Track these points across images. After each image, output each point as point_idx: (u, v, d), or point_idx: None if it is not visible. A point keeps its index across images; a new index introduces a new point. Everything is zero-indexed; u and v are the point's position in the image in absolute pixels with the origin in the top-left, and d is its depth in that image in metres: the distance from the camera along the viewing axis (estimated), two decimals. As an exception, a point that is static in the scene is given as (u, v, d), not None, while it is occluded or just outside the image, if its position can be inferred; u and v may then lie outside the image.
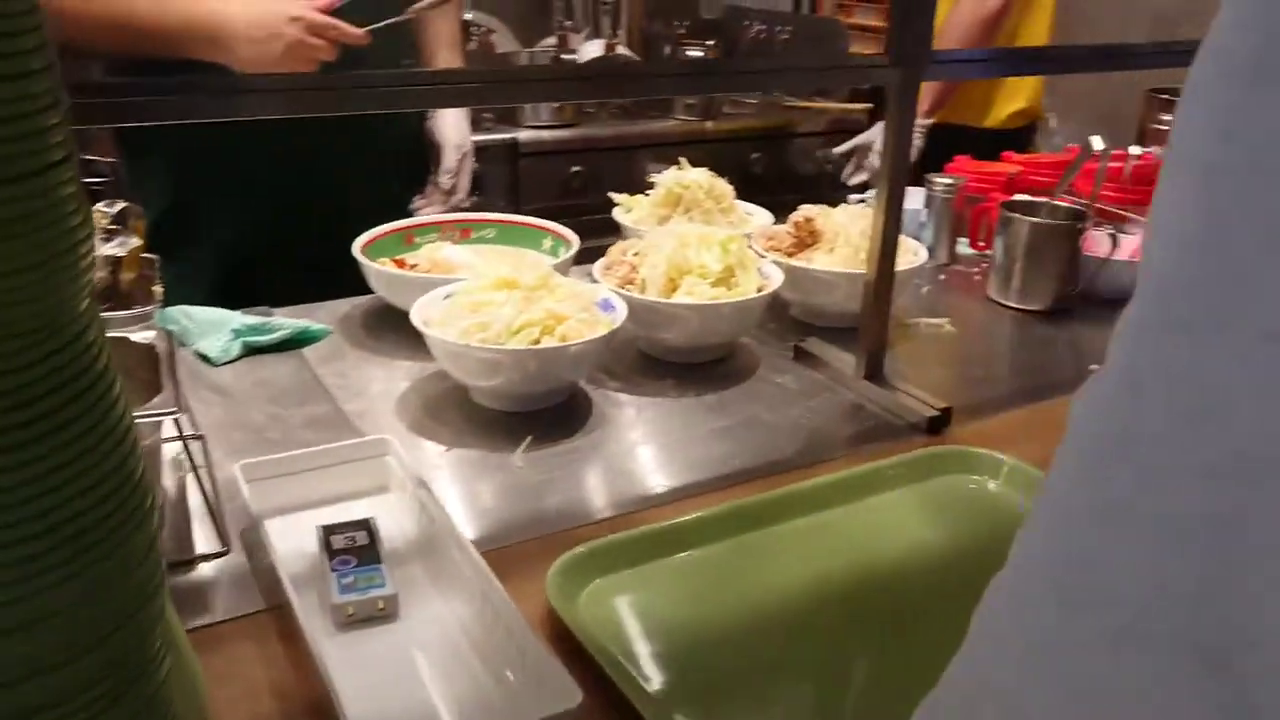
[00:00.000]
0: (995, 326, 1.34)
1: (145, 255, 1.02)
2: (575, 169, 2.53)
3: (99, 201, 1.00)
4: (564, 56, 2.67)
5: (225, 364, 1.10)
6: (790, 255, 1.26)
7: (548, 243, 1.34)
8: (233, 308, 1.19)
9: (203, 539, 0.80)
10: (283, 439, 0.95)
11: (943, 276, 1.50)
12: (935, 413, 1.01)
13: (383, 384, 1.08)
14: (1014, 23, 2.18)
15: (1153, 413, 0.26)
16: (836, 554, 0.81)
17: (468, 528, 0.82)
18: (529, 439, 0.97)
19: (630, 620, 0.73)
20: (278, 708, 0.64)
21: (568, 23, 2.92)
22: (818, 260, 1.25)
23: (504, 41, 2.87)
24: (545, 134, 2.51)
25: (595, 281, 1.14)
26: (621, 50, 2.73)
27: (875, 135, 2.36)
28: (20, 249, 0.31)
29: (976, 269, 1.52)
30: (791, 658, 0.71)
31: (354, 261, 1.20)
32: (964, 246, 1.56)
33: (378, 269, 1.18)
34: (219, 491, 0.83)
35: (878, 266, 1.04)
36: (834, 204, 1.34)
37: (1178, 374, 0.26)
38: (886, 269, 1.04)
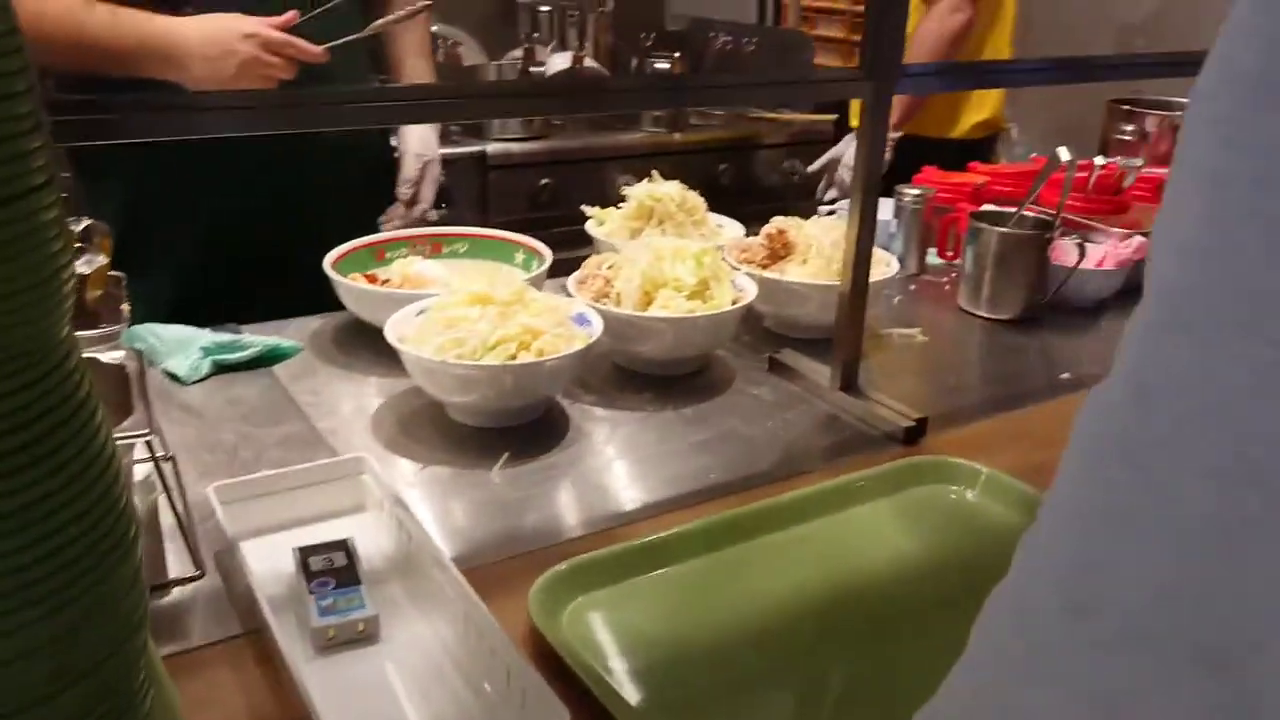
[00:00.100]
0: (966, 335, 1.35)
1: (112, 273, 1.00)
2: (544, 181, 2.52)
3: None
4: (532, 69, 2.66)
5: (195, 383, 1.08)
6: (764, 267, 1.26)
7: (520, 256, 1.33)
8: (200, 326, 1.17)
9: (175, 563, 0.78)
10: (255, 459, 0.94)
11: (913, 286, 1.51)
12: (911, 423, 1.02)
13: (356, 401, 1.07)
14: (979, 37, 2.22)
15: (1158, 416, 0.26)
16: (819, 566, 0.81)
17: (446, 546, 0.81)
18: (506, 455, 0.96)
19: (613, 637, 0.72)
20: (258, 734, 0.63)
21: (535, 35, 2.92)
22: (791, 272, 1.25)
23: (471, 54, 2.86)
24: (514, 146, 2.51)
25: (569, 295, 1.13)
26: (589, 62, 2.73)
27: (844, 149, 2.39)
28: (6, 274, 0.30)
29: (945, 278, 1.53)
30: (776, 671, 0.71)
31: (324, 277, 1.19)
32: (932, 256, 1.57)
33: (349, 285, 1.17)
34: (191, 514, 0.81)
35: (852, 278, 1.04)
36: (804, 215, 1.35)
37: (1183, 378, 0.26)
38: (861, 280, 1.05)
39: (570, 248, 1.42)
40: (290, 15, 1.31)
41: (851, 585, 0.80)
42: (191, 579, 0.76)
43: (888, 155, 2.12)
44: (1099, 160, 1.54)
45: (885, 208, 1.47)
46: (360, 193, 1.55)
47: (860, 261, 1.04)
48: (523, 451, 0.97)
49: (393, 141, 1.66)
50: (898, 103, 2.18)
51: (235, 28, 1.27)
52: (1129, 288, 1.43)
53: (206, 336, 1.14)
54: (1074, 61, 1.15)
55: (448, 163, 2.42)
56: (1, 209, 0.30)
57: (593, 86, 1.33)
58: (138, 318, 1.13)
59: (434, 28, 2.68)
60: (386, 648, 0.70)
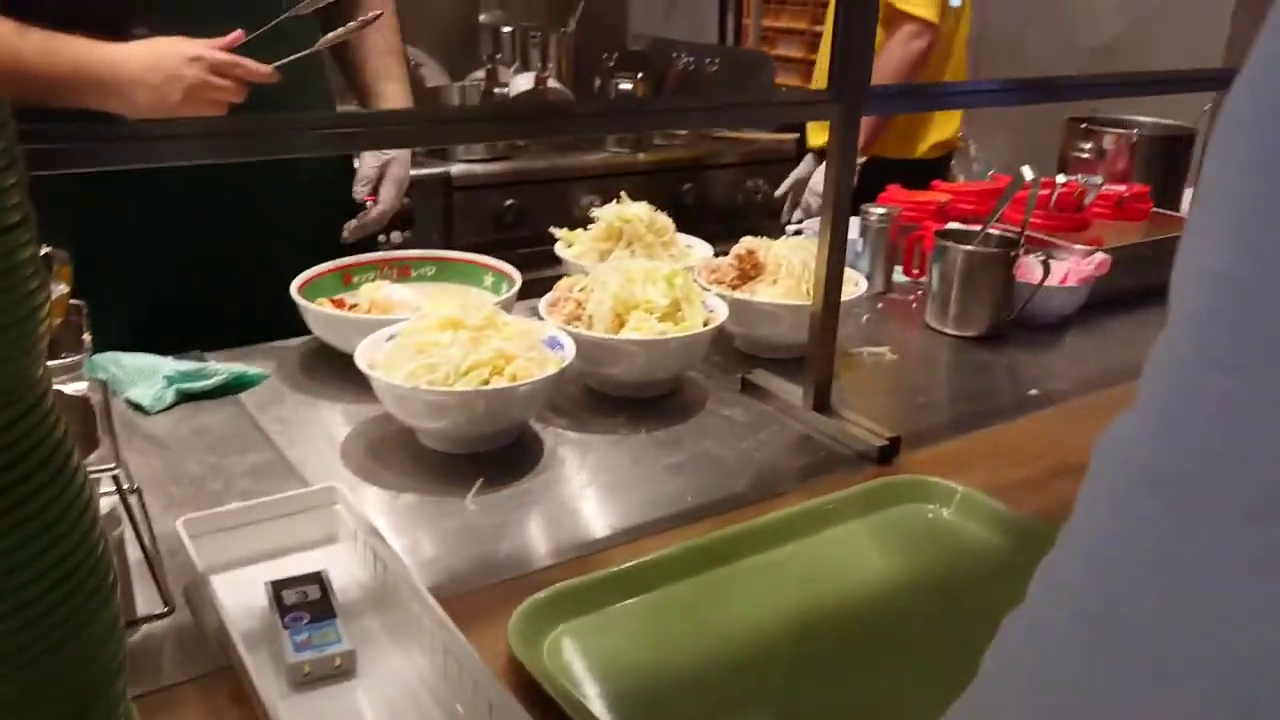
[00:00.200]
0: (934, 353, 1.36)
1: (73, 301, 0.98)
2: (509, 202, 2.52)
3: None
4: (495, 90, 2.66)
5: (159, 412, 1.06)
6: (734, 288, 1.26)
7: (489, 279, 1.33)
8: (164, 353, 1.15)
9: (143, 599, 0.76)
10: (224, 490, 0.92)
11: (880, 305, 1.52)
12: (884, 442, 1.02)
13: (325, 428, 1.05)
14: (936, 62, 2.29)
15: (1189, 452, 0.26)
16: (799, 589, 0.81)
17: (422, 576, 0.80)
18: (480, 481, 0.95)
19: (595, 665, 0.71)
20: (233, 776, 0.62)
21: (497, 56, 2.91)
22: (761, 292, 1.25)
23: (433, 75, 2.85)
24: (478, 167, 2.50)
25: (541, 318, 1.13)
26: (552, 83, 2.73)
27: (806, 170, 2.43)
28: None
29: (912, 296, 1.55)
30: (758, 696, 0.70)
31: (289, 302, 1.17)
32: (898, 274, 1.59)
33: (316, 310, 1.16)
34: (159, 548, 0.79)
35: (824, 298, 1.05)
36: (767, 233, 1.36)
37: (1216, 413, 0.26)
38: (833, 300, 1.05)
39: (536, 268, 1.42)
40: (236, 35, 1.25)
41: (832, 607, 0.79)
42: (160, 616, 0.74)
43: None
44: (1060, 178, 1.56)
45: (851, 226, 1.48)
46: (320, 212, 1.50)
47: (832, 281, 1.04)
48: (496, 478, 0.96)
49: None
50: (863, 126, 2.24)
51: (178, 51, 1.21)
52: (1092, 303, 1.45)
53: (170, 365, 1.12)
54: (1037, 82, 1.17)
55: (412, 184, 2.41)
56: (-21, 248, 0.29)
57: (566, 111, 1.33)
58: (99, 346, 1.10)
59: (396, 49, 2.66)
60: (364, 683, 0.68)
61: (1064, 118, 2.04)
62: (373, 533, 0.79)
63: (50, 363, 0.92)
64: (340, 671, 0.68)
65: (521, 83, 2.72)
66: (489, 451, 1.01)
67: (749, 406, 1.14)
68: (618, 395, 1.14)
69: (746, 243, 1.31)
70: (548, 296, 1.18)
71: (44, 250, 1.08)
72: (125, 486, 0.77)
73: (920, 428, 1.11)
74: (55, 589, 0.32)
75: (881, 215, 1.51)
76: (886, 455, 1.02)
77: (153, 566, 0.78)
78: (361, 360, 0.99)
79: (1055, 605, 0.30)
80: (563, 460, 1.01)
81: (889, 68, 2.18)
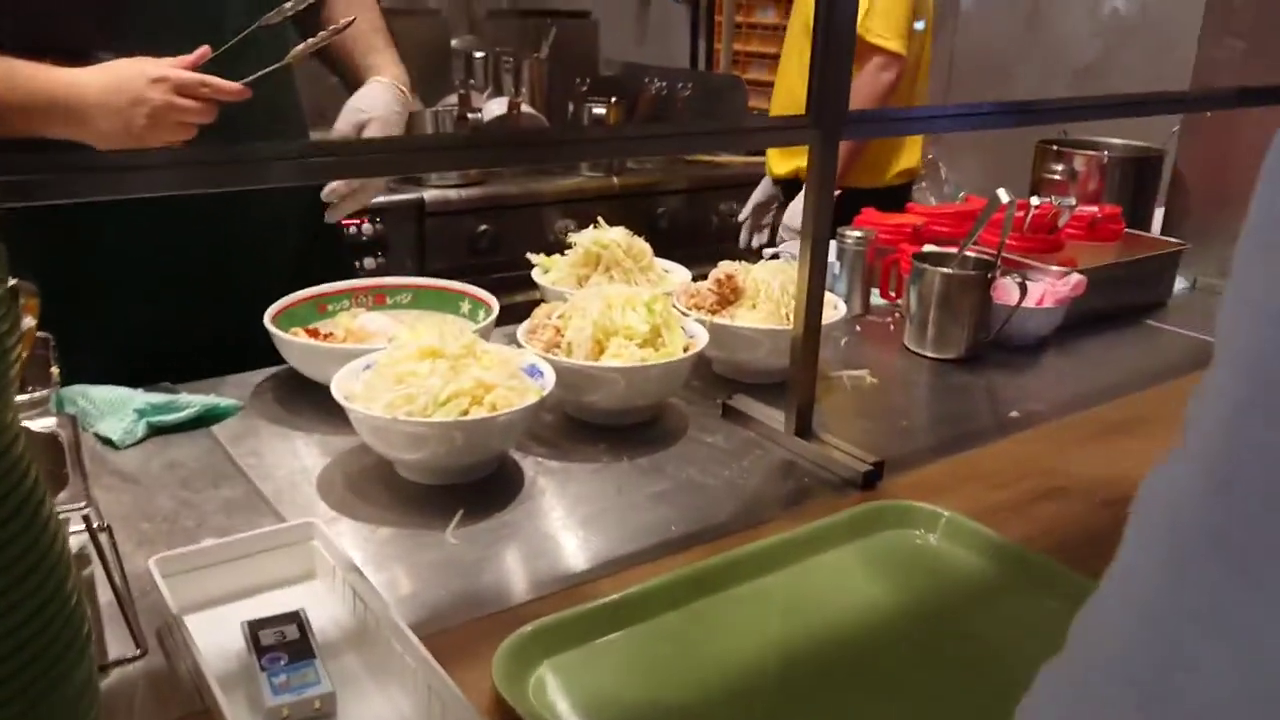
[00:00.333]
0: (913, 375, 1.36)
1: (40, 334, 0.96)
2: (482, 227, 2.51)
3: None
4: (469, 115, 2.65)
5: (129, 447, 1.03)
6: (713, 313, 1.26)
7: (466, 306, 1.31)
8: (134, 384, 1.12)
9: (114, 641, 0.74)
10: (197, 526, 0.90)
11: (858, 328, 1.52)
12: (869, 467, 1.01)
13: (301, 461, 1.03)
14: (904, 91, 2.35)
15: (1253, 512, 0.25)
16: (787, 618, 0.80)
17: (402, 613, 0.78)
18: (460, 513, 0.93)
19: (581, 702, 0.70)
20: (209, 827, 0.60)
21: (470, 81, 2.91)
22: (741, 317, 1.25)
23: (404, 101, 2.84)
24: (451, 193, 2.49)
25: (519, 345, 1.11)
26: (526, 108, 2.73)
27: (764, 194, 2.48)
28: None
29: (889, 318, 1.55)
30: (750, 732, 0.69)
31: (262, 331, 1.15)
32: (875, 297, 1.59)
33: (291, 340, 1.14)
34: (130, 588, 0.77)
35: (804, 322, 1.04)
36: (745, 258, 1.35)
37: (1276, 462, 0.24)
38: (814, 324, 1.05)
39: (510, 293, 1.40)
40: (202, 51, 1.17)
41: (820, 636, 0.78)
42: (132, 659, 0.72)
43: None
44: (1034, 200, 1.57)
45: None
46: (294, 235, 1.45)
47: (813, 306, 1.04)
48: (477, 509, 0.95)
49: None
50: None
51: (140, 72, 1.14)
52: (1068, 324, 1.45)
53: (140, 397, 1.09)
54: (1012, 106, 1.18)
55: (385, 210, 2.40)
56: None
57: (546, 139, 1.32)
58: (67, 378, 1.07)
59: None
60: (345, 725, 0.66)
61: (1035, 140, 2.06)
62: (351, 569, 0.77)
63: (17, 398, 0.90)
64: (320, 714, 0.66)
65: (495, 108, 2.71)
66: (469, 482, 0.99)
67: (730, 433, 1.14)
68: (598, 423, 1.13)
69: (725, 267, 1.31)
70: (526, 324, 1.17)
71: (10, 282, 1.05)
72: (95, 525, 0.75)
73: (902, 452, 1.10)
74: (35, 640, 0.30)
75: (858, 238, 1.52)
76: (870, 480, 1.02)
77: (124, 607, 0.76)
78: (338, 391, 0.97)
79: (1098, 664, 0.29)
80: (544, 490, 1.00)
81: (859, 99, 2.22)
